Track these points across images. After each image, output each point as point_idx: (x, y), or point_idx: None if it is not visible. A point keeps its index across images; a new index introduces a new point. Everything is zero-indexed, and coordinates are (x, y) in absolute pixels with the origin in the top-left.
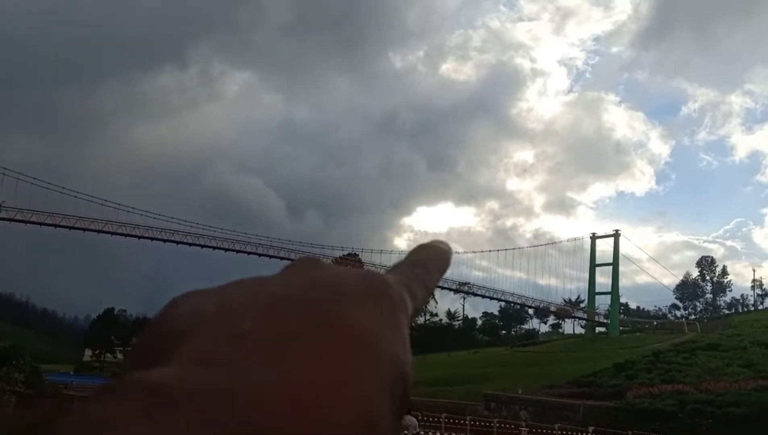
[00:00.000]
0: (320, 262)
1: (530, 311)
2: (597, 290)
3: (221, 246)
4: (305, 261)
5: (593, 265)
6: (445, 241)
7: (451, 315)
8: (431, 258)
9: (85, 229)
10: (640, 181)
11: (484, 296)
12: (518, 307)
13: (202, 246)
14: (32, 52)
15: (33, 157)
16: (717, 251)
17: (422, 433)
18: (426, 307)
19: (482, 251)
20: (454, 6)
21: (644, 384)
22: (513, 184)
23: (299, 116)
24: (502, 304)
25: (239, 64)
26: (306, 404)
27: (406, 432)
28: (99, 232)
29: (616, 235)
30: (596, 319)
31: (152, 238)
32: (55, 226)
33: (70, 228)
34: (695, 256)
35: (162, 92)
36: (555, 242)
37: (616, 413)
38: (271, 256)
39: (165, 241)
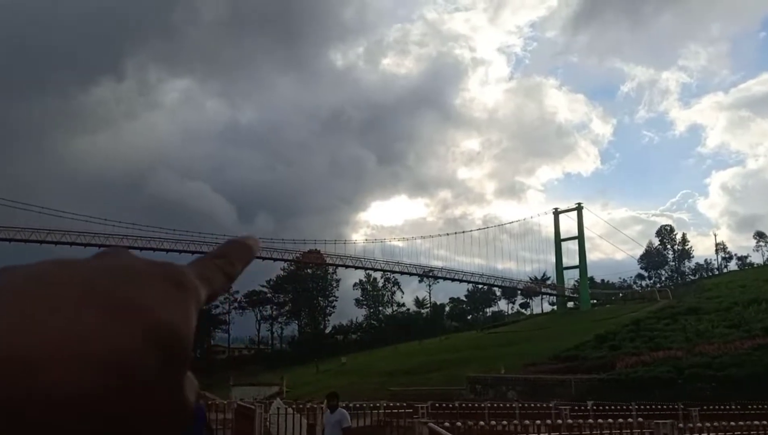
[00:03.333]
0: (127, 252)
1: (497, 293)
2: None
3: (175, 248)
4: (114, 248)
5: (558, 240)
6: (254, 236)
7: (419, 302)
8: (235, 250)
9: (26, 241)
10: (585, 161)
11: (453, 280)
12: (485, 289)
13: (155, 249)
14: None
15: None
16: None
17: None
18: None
19: (436, 235)
20: (390, 0)
21: (631, 353)
22: (463, 172)
23: (244, 119)
24: (469, 287)
25: (177, 70)
26: (55, 345)
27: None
28: (41, 242)
29: (579, 209)
30: (566, 293)
31: (100, 245)
32: None
33: (10, 240)
34: (645, 230)
35: (99, 105)
36: (503, 224)
37: (610, 385)
38: None
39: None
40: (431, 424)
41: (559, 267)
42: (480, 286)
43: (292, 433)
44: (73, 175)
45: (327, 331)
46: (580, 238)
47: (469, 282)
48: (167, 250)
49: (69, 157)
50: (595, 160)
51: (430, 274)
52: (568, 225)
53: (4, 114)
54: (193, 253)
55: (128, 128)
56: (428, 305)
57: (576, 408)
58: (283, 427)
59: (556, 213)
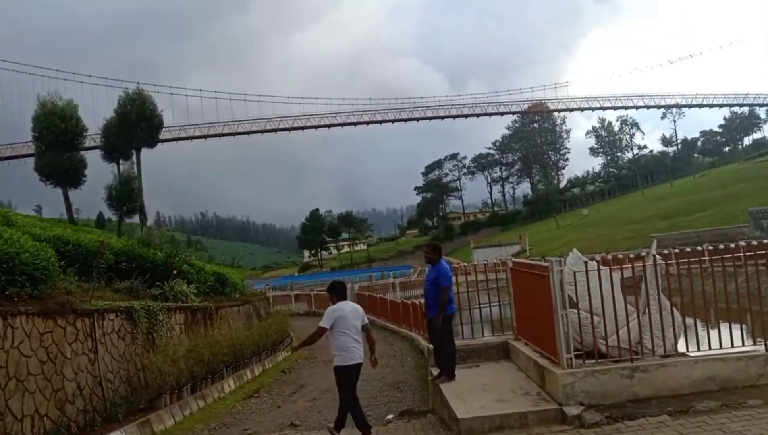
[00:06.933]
0: None
1: (762, 115)
2: None
3: (399, 117)
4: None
5: None
6: None
7: (666, 140)
8: None
9: (262, 131)
10: None
11: (711, 105)
12: (745, 113)
13: (381, 122)
14: None
15: (207, 84)
16: None
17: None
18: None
19: (656, 66)
20: None
21: None
22: None
23: None
24: (726, 115)
25: None
26: None
27: None
28: (276, 130)
29: None
30: None
31: (329, 126)
32: (234, 134)
33: (249, 133)
34: None
35: None
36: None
37: None
38: (455, 117)
39: (342, 125)
40: None
41: None
42: (740, 110)
43: (611, 295)
44: (296, 68)
45: (561, 185)
46: None
47: (729, 106)
48: (393, 121)
49: (290, 54)
50: None
51: (680, 104)
52: None
53: (228, 27)
54: (418, 119)
55: (336, 17)
56: (676, 142)
57: None
58: (593, 288)
59: None
